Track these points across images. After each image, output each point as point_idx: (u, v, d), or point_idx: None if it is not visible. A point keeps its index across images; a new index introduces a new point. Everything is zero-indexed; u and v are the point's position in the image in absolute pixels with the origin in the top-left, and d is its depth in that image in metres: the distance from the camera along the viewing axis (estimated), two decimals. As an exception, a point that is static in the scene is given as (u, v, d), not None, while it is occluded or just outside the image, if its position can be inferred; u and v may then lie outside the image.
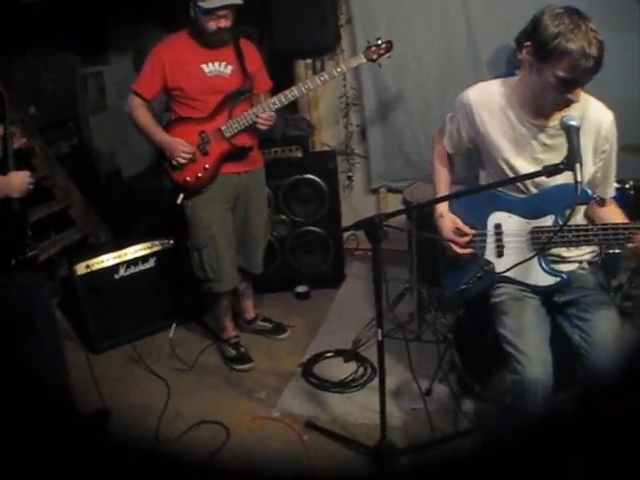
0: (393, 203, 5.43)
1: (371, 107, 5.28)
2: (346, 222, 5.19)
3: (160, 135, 3.76)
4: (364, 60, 3.94)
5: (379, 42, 3.93)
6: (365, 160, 5.55)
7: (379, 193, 5.60)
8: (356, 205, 5.63)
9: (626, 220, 2.78)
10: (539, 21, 2.44)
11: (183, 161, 3.72)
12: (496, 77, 3.23)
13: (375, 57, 3.93)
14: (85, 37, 5.72)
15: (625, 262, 4.10)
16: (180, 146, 3.71)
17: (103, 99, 6.25)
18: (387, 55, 3.94)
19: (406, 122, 5.21)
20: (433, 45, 4.96)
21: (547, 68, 2.45)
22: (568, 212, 2.37)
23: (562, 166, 2.27)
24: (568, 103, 2.51)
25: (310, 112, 5.40)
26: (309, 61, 5.24)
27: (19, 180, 2.98)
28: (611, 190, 2.86)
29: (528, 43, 2.50)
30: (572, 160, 2.23)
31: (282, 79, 4.49)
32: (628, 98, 4.27)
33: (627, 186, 3.96)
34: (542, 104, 2.59)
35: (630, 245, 2.59)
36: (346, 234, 5.46)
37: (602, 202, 2.84)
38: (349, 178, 5.61)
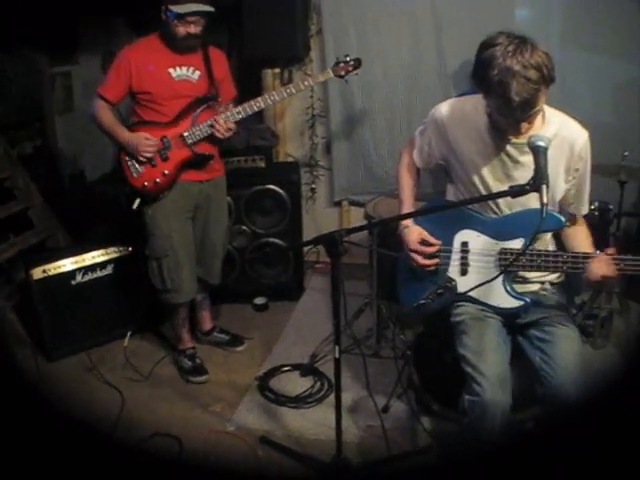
0: (356, 216, 5.42)
1: (337, 119, 5.28)
2: (308, 234, 5.18)
3: (123, 134, 3.70)
4: (332, 75, 3.92)
5: (348, 59, 3.91)
6: (329, 172, 5.54)
7: (342, 206, 5.59)
8: (318, 217, 5.62)
9: (589, 240, 2.79)
10: (478, 53, 2.46)
11: (149, 155, 3.66)
12: (461, 94, 3.22)
13: (343, 73, 3.91)
14: (55, 36, 5.62)
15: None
16: (145, 140, 3.66)
17: (70, 100, 6.14)
18: (355, 72, 3.92)
19: (371, 136, 5.21)
20: (402, 59, 4.98)
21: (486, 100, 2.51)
22: (540, 238, 2.33)
23: (528, 187, 2.24)
24: (521, 132, 2.51)
25: (275, 122, 5.37)
26: (277, 70, 5.22)
27: None
28: (584, 208, 2.84)
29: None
30: (538, 181, 2.21)
31: (249, 88, 4.47)
32: (597, 119, 4.30)
33: (592, 207, 3.97)
34: (501, 127, 2.59)
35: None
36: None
37: (573, 219, 2.83)
38: (312, 190, 5.59)
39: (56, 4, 5.13)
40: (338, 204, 5.60)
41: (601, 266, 2.52)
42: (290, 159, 5.54)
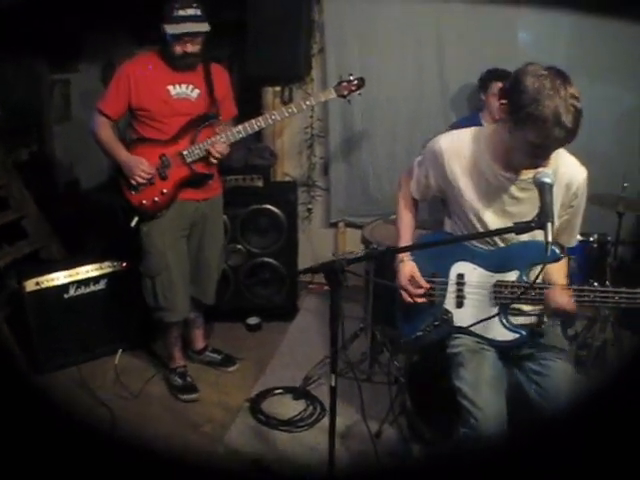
0: (352, 238, 5.40)
1: (336, 140, 5.27)
2: (303, 254, 5.16)
3: (121, 154, 3.67)
4: (334, 95, 3.89)
5: (351, 78, 3.89)
6: (326, 193, 5.52)
7: (338, 227, 5.57)
8: (314, 238, 5.61)
9: (564, 271, 2.81)
10: (518, 81, 2.38)
11: (141, 181, 3.64)
12: (457, 122, 3.21)
13: (346, 93, 3.89)
14: (56, 43, 5.60)
15: (581, 311, 4.11)
16: (140, 165, 3.63)
17: (68, 108, 6.14)
18: (358, 92, 3.90)
19: (370, 158, 5.21)
20: (404, 80, 4.98)
21: (519, 131, 2.42)
22: (534, 270, 2.31)
23: (533, 224, 2.23)
24: (536, 166, 2.47)
25: (274, 141, 5.37)
26: (277, 89, 5.21)
27: None
28: (573, 240, 2.86)
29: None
30: (544, 219, 2.19)
31: (248, 104, 4.45)
32: (593, 148, 4.25)
33: (591, 239, 3.96)
34: (512, 161, 2.56)
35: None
36: (301, 266, 5.38)
37: (561, 250, 2.82)
38: (309, 210, 5.57)
39: (59, 12, 5.11)
40: (334, 225, 5.58)
41: (560, 296, 2.58)
42: (287, 178, 5.52)
